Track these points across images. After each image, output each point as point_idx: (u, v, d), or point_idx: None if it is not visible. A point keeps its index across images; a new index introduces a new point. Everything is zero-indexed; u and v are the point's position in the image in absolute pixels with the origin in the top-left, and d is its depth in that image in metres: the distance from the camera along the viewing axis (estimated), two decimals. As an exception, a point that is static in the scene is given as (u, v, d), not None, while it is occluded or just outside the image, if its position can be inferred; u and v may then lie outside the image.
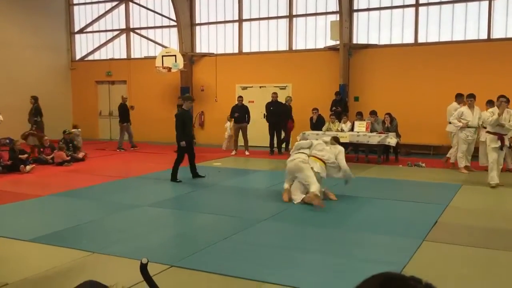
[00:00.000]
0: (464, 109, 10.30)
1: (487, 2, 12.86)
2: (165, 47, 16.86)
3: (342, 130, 12.24)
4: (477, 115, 10.20)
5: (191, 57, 16.67)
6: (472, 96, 10.29)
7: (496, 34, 12.84)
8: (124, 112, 14.92)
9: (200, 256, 4.94)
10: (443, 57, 13.21)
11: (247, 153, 13.46)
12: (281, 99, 14.06)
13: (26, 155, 10.90)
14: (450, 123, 10.88)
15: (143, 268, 2.22)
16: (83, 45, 19.11)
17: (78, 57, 19.13)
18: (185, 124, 9.22)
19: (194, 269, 4.56)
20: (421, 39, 13.70)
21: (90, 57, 18.95)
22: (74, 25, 19.07)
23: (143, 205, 7.25)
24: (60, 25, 18.70)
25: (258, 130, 14.52)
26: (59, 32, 18.67)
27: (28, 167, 10.54)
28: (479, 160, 10.49)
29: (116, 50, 18.50)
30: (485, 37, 12.93)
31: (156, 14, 17.47)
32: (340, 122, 12.69)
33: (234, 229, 5.96)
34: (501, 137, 8.71)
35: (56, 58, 18.48)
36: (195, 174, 9.56)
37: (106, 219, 6.50)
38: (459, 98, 11.02)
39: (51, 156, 11.72)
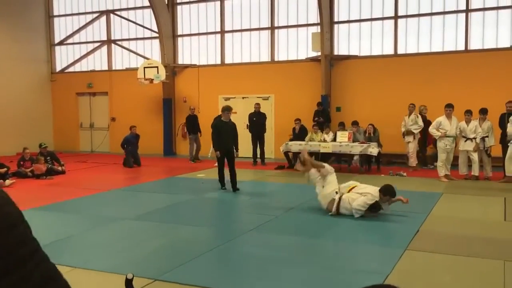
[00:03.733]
0: (442, 118, 10.52)
1: (464, 14, 13.18)
2: (147, 58, 16.84)
3: (324, 140, 12.34)
4: (454, 125, 10.43)
5: (173, 69, 16.67)
6: (450, 106, 10.52)
7: (473, 46, 13.15)
8: (191, 123, 14.68)
9: (185, 269, 4.91)
10: (422, 67, 13.47)
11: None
12: (264, 109, 14.14)
13: (5, 169, 10.70)
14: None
15: (128, 284, 2.20)
16: (63, 57, 18.96)
17: (58, 68, 18.96)
18: (220, 134, 9.28)
19: (178, 282, 4.52)
20: (400, 50, 13.95)
21: (71, 69, 18.80)
22: (54, 37, 18.92)
23: (125, 218, 7.17)
24: (40, 36, 18.53)
25: (241, 140, 14.47)
26: (39, 44, 18.50)
27: (7, 181, 10.35)
28: (459, 169, 10.68)
29: (97, 61, 18.40)
30: (463, 48, 13.23)
31: (137, 26, 17.45)
32: (322, 132, 12.80)
33: (218, 241, 5.94)
34: None
35: (36, 70, 18.29)
36: (234, 187, 9.38)
37: (88, 233, 6.41)
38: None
39: (30, 169, 11.54)
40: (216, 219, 7.32)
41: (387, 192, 6.89)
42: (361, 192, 6.94)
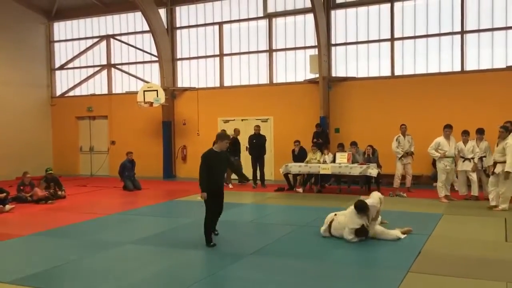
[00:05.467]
0: (441, 139, 10.57)
1: (459, 36, 13.37)
2: (147, 82, 16.99)
3: (324, 162, 12.37)
4: (453, 145, 10.48)
5: (173, 92, 16.80)
6: (449, 127, 10.58)
7: (469, 66, 13.30)
8: (233, 146, 13.55)
9: (186, 295, 4.88)
10: (419, 88, 13.60)
11: (230, 186, 13.45)
12: (263, 131, 14.20)
13: (4, 194, 10.67)
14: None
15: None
16: (63, 81, 19.12)
17: (58, 93, 19.10)
18: (210, 168, 6.94)
19: (180, 308, 4.49)
20: (397, 72, 14.10)
21: (71, 93, 18.94)
22: (54, 62, 19.11)
23: (126, 242, 7.15)
24: (41, 61, 18.72)
25: (242, 162, 14.55)
26: (40, 69, 18.68)
27: (7, 207, 10.32)
28: (459, 190, 10.68)
29: (97, 85, 18.55)
30: (459, 69, 13.38)
31: (137, 50, 17.65)
32: (321, 153, 12.82)
33: (219, 265, 5.92)
34: None
35: (36, 95, 18.42)
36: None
37: (89, 258, 6.38)
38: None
39: (30, 193, 11.52)
40: (216, 242, 7.27)
41: (358, 209, 6.94)
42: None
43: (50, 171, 12.33)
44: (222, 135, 7.30)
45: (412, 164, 11.95)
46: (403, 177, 11.90)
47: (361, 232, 6.85)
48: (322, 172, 12.02)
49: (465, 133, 10.46)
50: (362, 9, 14.48)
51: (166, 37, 16.58)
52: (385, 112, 13.90)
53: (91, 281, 5.40)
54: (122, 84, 18.08)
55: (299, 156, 13.11)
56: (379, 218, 7.47)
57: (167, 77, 16.61)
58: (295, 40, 15.33)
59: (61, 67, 19.05)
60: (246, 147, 14.32)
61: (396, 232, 7.08)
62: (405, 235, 7.13)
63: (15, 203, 10.94)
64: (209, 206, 7.11)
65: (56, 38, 19.09)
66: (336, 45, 14.81)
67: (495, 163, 9.34)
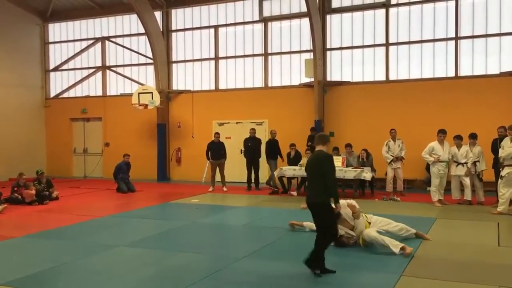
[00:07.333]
0: (435, 144, 10.64)
1: (453, 42, 13.48)
2: (142, 84, 16.97)
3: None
4: (447, 150, 10.55)
5: (168, 94, 16.79)
6: (443, 131, 10.65)
7: (463, 72, 13.40)
8: (271, 148, 13.58)
9: (180, 297, 4.87)
10: (413, 93, 13.68)
11: (224, 189, 13.46)
12: (258, 134, 14.21)
13: (-3, 195, 10.64)
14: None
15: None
16: (58, 83, 19.05)
17: (52, 94, 19.03)
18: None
19: (173, 310, 4.48)
20: (392, 77, 14.18)
21: (65, 95, 18.87)
22: (49, 63, 19.05)
23: (120, 245, 7.13)
24: (35, 63, 18.65)
25: (235, 165, 14.58)
26: (34, 70, 18.60)
27: (-1, 207, 10.28)
28: (452, 194, 10.74)
29: (92, 87, 18.49)
30: (453, 74, 13.48)
31: (132, 52, 17.64)
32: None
33: (213, 268, 5.91)
34: None
35: (30, 96, 18.34)
36: (314, 262, 5.55)
37: (82, 261, 6.36)
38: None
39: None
40: (210, 245, 7.28)
41: None
42: None
43: (42, 172, 12.27)
44: (328, 137, 6.21)
45: (402, 168, 11.98)
46: (395, 181, 11.95)
47: (340, 243, 6.80)
48: (316, 175, 12.03)
49: (458, 138, 10.53)
50: (358, 14, 14.57)
51: (161, 40, 16.58)
52: (379, 116, 13.96)
53: (86, 283, 5.38)
54: (116, 86, 18.04)
55: (295, 159, 13.13)
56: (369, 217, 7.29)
57: (162, 79, 16.60)
58: (291, 44, 15.39)
59: (56, 69, 18.99)
60: (241, 150, 14.32)
61: (392, 242, 6.51)
62: (402, 251, 6.35)
63: (8, 204, 10.88)
64: (335, 223, 5.73)
65: (51, 40, 19.03)
66: (331, 49, 14.88)
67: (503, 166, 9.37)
